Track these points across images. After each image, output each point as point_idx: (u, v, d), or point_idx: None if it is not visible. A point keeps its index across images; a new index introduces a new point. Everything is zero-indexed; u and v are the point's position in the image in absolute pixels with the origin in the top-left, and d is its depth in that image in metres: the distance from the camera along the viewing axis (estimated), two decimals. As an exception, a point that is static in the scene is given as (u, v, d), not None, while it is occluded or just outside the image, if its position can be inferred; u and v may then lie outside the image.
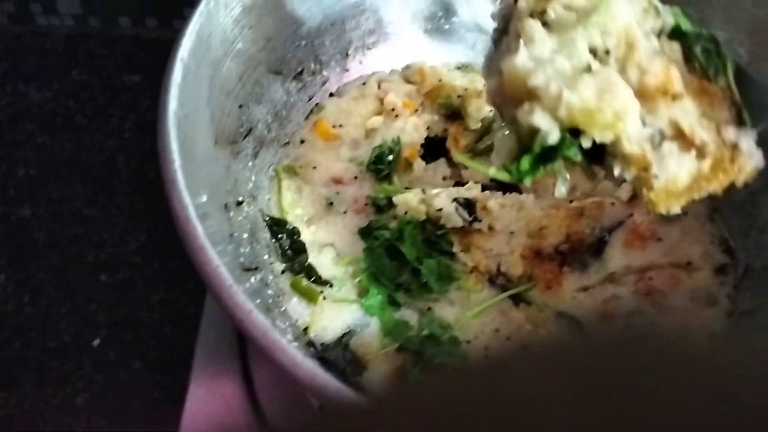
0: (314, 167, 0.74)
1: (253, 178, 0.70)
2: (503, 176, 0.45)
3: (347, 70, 0.82)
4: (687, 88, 0.43)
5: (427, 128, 0.78)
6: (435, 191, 0.71)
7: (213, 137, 0.63)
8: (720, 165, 0.43)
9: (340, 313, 0.66)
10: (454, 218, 0.70)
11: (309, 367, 0.45)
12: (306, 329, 0.64)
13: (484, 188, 0.74)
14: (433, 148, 0.79)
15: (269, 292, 0.64)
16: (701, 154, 0.43)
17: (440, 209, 0.70)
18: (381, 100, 0.78)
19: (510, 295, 0.69)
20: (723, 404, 0.18)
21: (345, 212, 0.73)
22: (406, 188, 0.74)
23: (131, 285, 0.84)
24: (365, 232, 0.71)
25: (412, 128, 0.75)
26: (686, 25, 0.47)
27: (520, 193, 0.74)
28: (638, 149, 0.42)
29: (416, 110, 0.79)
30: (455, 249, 0.71)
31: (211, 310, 0.78)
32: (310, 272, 0.67)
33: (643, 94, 0.42)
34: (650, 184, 0.43)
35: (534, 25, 0.44)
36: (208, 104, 0.62)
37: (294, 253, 0.68)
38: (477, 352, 0.65)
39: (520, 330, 0.68)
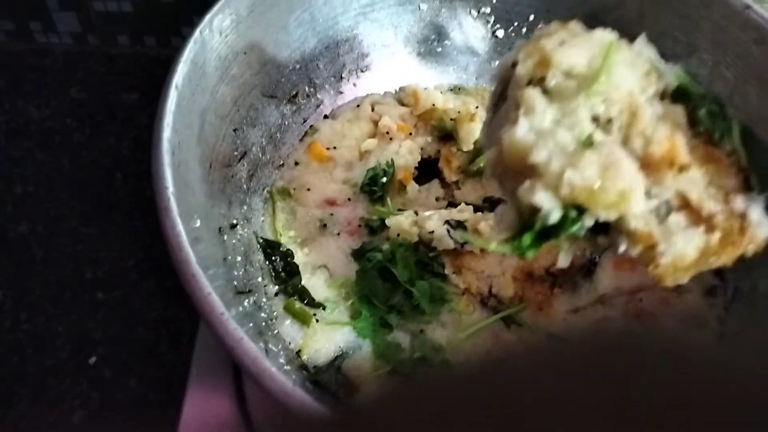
0: (308, 189, 0.75)
1: (247, 200, 0.71)
2: (505, 250, 0.42)
3: (341, 93, 0.83)
4: (692, 155, 0.41)
5: (421, 149, 0.79)
6: (427, 213, 0.72)
7: (208, 161, 0.64)
8: (729, 237, 0.41)
9: (332, 335, 0.66)
10: (446, 240, 0.71)
11: (299, 395, 0.46)
12: (299, 352, 0.65)
13: (476, 209, 0.74)
14: (427, 169, 0.80)
15: (262, 314, 0.64)
16: (710, 226, 0.41)
17: (432, 231, 0.71)
18: (375, 123, 0.79)
19: (502, 317, 0.70)
20: (712, 400, 0.19)
21: (338, 234, 0.73)
22: (400, 210, 0.75)
23: (128, 302, 0.85)
24: (358, 254, 0.72)
25: (406, 151, 0.76)
26: (691, 86, 0.45)
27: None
28: (644, 226, 0.40)
29: (410, 133, 0.80)
30: (447, 271, 0.71)
31: (207, 328, 0.78)
32: (304, 294, 0.68)
33: (647, 164, 0.41)
34: (657, 262, 0.41)
35: (534, 94, 0.42)
36: (203, 129, 0.63)
37: (287, 275, 0.69)
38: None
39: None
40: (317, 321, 0.67)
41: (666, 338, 0.27)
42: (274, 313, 0.66)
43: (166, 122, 0.55)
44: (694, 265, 0.43)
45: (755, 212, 0.43)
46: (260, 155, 0.73)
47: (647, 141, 0.41)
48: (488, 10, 0.85)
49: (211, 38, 0.63)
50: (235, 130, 0.69)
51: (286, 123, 0.77)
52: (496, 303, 0.71)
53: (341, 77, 0.83)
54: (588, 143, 0.40)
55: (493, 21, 0.86)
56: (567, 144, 0.40)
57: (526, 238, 0.42)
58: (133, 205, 0.93)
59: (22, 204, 0.91)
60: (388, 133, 0.78)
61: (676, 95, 0.45)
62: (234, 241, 0.66)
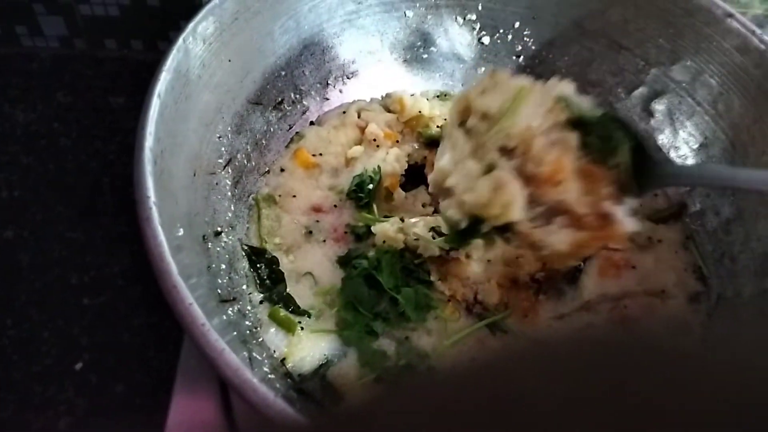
0: (294, 196, 0.75)
1: (232, 207, 0.71)
2: (443, 244, 0.61)
3: (327, 99, 0.83)
4: (575, 172, 0.52)
5: (407, 156, 0.79)
6: (413, 220, 0.72)
7: (192, 169, 0.64)
8: (596, 233, 0.52)
9: (317, 343, 0.66)
10: (432, 247, 0.71)
11: (281, 407, 0.46)
12: (283, 360, 0.65)
13: None
14: (413, 176, 0.80)
15: (247, 323, 0.64)
16: (580, 226, 0.52)
17: (417, 238, 0.71)
18: (361, 129, 0.79)
19: (487, 323, 0.70)
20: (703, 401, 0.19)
21: (324, 241, 0.73)
22: (386, 216, 0.75)
23: (114, 308, 0.84)
24: (344, 261, 0.72)
25: (393, 159, 0.76)
26: (588, 115, 0.55)
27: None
28: (527, 228, 0.53)
29: (397, 141, 0.80)
30: (433, 277, 0.71)
31: (189, 339, 0.78)
32: (288, 302, 0.68)
33: (536, 182, 0.52)
34: (539, 255, 0.56)
35: (456, 134, 0.57)
36: (187, 137, 0.62)
37: (272, 282, 0.69)
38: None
39: (495, 358, 0.68)
40: (302, 329, 0.67)
41: (649, 343, 0.27)
42: (259, 321, 0.66)
43: (148, 131, 0.55)
44: (570, 254, 0.55)
45: (618, 213, 0.53)
46: (245, 162, 0.73)
47: (538, 164, 0.53)
48: (474, 17, 0.85)
49: (195, 46, 0.63)
50: (219, 138, 0.69)
51: (272, 130, 0.77)
52: (482, 310, 0.71)
53: (327, 84, 0.83)
54: (490, 169, 0.54)
55: (479, 28, 0.86)
56: (472, 171, 0.55)
57: (451, 238, 0.61)
58: (119, 209, 0.92)
59: (7, 209, 0.91)
60: (375, 140, 0.78)
61: (575, 124, 0.55)
62: (218, 248, 0.66)
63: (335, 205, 0.75)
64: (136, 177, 0.54)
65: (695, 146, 0.80)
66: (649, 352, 0.23)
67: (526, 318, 0.71)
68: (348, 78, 0.84)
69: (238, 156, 0.72)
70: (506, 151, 0.53)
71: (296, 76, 0.79)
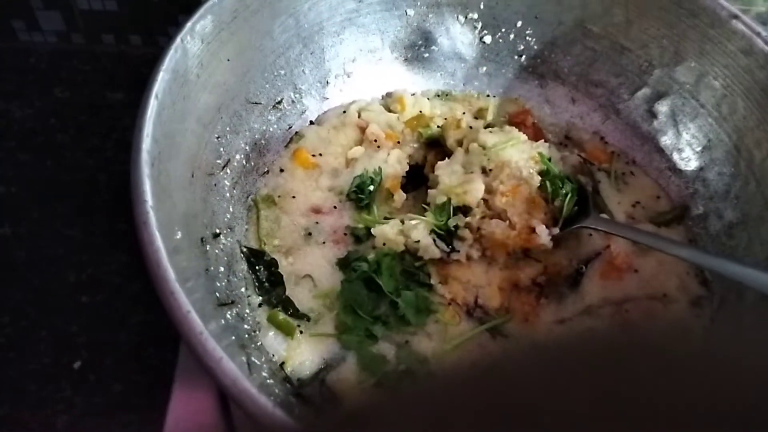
0: (293, 197, 0.74)
1: (230, 209, 0.70)
2: (430, 219, 0.73)
3: (327, 99, 0.82)
4: (525, 198, 0.74)
5: (408, 157, 0.78)
6: (414, 222, 0.71)
7: (190, 170, 0.63)
8: (520, 236, 0.72)
9: (316, 347, 0.66)
10: (432, 250, 0.70)
11: (279, 417, 0.46)
12: (282, 364, 0.64)
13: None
14: (413, 175, 0.79)
15: (245, 326, 0.64)
16: (512, 227, 0.72)
17: (418, 241, 0.70)
18: (362, 129, 0.78)
19: (487, 328, 0.70)
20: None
21: (324, 243, 0.72)
22: (386, 218, 0.74)
23: (111, 306, 0.84)
24: (343, 264, 0.71)
25: (395, 160, 0.76)
26: (553, 170, 0.77)
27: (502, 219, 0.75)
28: (478, 215, 0.73)
29: (398, 142, 0.79)
30: (433, 281, 0.71)
31: (186, 348, 0.78)
32: (287, 305, 0.67)
33: (494, 193, 0.73)
34: (482, 233, 0.72)
35: (459, 150, 0.79)
36: (185, 138, 0.62)
37: (271, 285, 0.68)
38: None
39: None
40: (301, 332, 0.66)
41: (651, 346, 0.27)
42: (258, 325, 0.66)
43: (145, 133, 0.55)
44: (503, 242, 0.72)
45: (539, 229, 0.72)
46: (244, 162, 0.73)
47: (502, 183, 0.74)
48: (476, 15, 0.84)
49: (193, 45, 0.62)
50: (218, 138, 0.68)
51: (271, 129, 0.76)
52: (482, 314, 0.71)
53: (327, 83, 0.82)
54: (469, 173, 0.75)
55: (481, 27, 0.85)
56: (457, 172, 0.75)
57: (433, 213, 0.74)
58: (117, 206, 0.92)
59: (4, 206, 0.90)
60: (375, 141, 0.77)
61: (542, 173, 0.76)
62: (217, 251, 0.65)
63: (335, 207, 0.75)
64: (133, 180, 0.53)
65: (698, 149, 0.79)
66: (649, 355, 0.23)
67: (527, 322, 0.71)
68: (348, 77, 0.83)
69: (237, 156, 0.71)
70: (485, 170, 0.75)
71: (296, 75, 0.78)
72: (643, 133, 0.84)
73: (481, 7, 0.83)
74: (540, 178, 0.75)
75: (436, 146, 0.81)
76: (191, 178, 0.63)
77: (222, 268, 0.65)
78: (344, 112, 0.81)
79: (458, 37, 0.85)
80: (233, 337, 0.59)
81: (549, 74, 0.86)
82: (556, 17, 0.82)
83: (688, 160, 0.81)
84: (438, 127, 0.80)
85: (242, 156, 0.72)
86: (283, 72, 0.76)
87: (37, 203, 0.91)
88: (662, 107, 0.81)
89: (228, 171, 0.70)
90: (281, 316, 0.66)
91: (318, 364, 0.65)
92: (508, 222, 0.72)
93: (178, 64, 0.60)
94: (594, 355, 0.24)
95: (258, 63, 0.72)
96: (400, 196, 0.76)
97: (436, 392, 0.24)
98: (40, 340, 0.82)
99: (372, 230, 0.71)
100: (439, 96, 0.86)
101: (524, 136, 0.78)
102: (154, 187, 0.54)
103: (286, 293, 0.68)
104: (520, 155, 0.76)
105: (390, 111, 0.82)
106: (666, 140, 0.82)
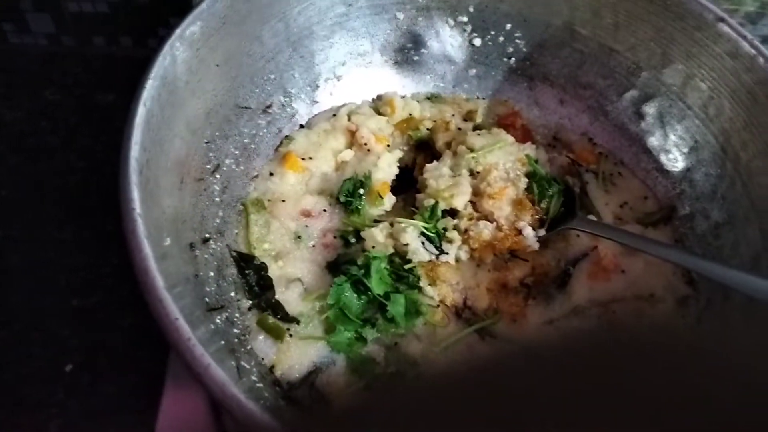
0: (283, 200, 0.74)
1: (220, 213, 0.70)
2: (419, 221, 0.73)
3: (317, 102, 0.82)
4: (512, 200, 0.75)
5: (398, 160, 0.79)
6: (403, 225, 0.72)
7: (179, 176, 0.63)
8: (507, 237, 0.73)
9: (306, 350, 0.66)
10: (421, 252, 0.71)
11: (267, 421, 0.46)
12: (272, 368, 0.65)
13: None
14: (402, 178, 0.80)
15: (235, 330, 0.64)
16: (500, 228, 0.74)
17: (407, 244, 0.70)
18: (352, 132, 0.79)
19: (476, 329, 0.70)
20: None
21: (313, 246, 0.73)
22: (376, 221, 0.74)
23: (103, 309, 0.84)
24: (333, 267, 0.71)
25: (385, 164, 0.76)
26: (540, 172, 0.78)
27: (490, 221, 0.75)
28: (464, 217, 0.74)
29: (388, 145, 0.79)
30: (422, 283, 0.71)
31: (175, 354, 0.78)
32: (277, 309, 0.68)
33: (481, 195, 0.75)
34: (469, 236, 0.73)
35: (447, 153, 0.80)
36: (173, 144, 0.62)
37: (261, 289, 0.68)
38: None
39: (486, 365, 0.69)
40: (291, 336, 0.67)
41: (638, 345, 0.27)
42: (248, 329, 0.66)
43: (133, 141, 0.55)
44: (490, 243, 0.73)
45: (526, 230, 0.74)
46: (234, 167, 0.73)
47: (489, 185, 0.75)
48: (465, 18, 0.84)
49: (182, 52, 0.62)
50: (207, 143, 0.68)
51: (261, 134, 0.77)
52: (471, 315, 0.71)
53: (317, 86, 0.82)
54: (457, 176, 0.76)
55: (470, 30, 0.85)
56: (445, 175, 0.76)
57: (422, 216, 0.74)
58: (108, 209, 0.91)
59: (-5, 209, 0.90)
60: (365, 144, 0.77)
61: (529, 174, 0.78)
62: (206, 255, 0.66)
63: (325, 210, 0.75)
64: (122, 188, 0.53)
65: (685, 150, 0.80)
66: (637, 356, 0.23)
67: (515, 323, 0.71)
68: (338, 80, 0.83)
69: (227, 161, 0.72)
70: (472, 173, 0.77)
71: (285, 79, 0.78)
72: (630, 135, 0.84)
73: (471, 10, 0.84)
74: (527, 180, 0.77)
75: (426, 149, 0.82)
76: (180, 183, 0.63)
77: (211, 273, 0.65)
78: (334, 115, 0.81)
79: (448, 40, 0.85)
80: (222, 342, 0.60)
81: (538, 76, 0.87)
82: (544, 20, 0.82)
83: (675, 161, 0.81)
84: (427, 129, 0.81)
85: (232, 160, 0.72)
86: (272, 76, 0.76)
87: (29, 206, 0.91)
88: (650, 109, 0.82)
89: (217, 176, 0.70)
90: (271, 319, 0.67)
91: (308, 367, 0.65)
92: (495, 224, 0.73)
93: (166, 71, 0.60)
94: (583, 356, 0.25)
95: (247, 68, 0.73)
96: (389, 199, 0.76)
97: (426, 395, 0.25)
98: (33, 343, 0.82)
99: (361, 233, 0.72)
100: (429, 98, 0.87)
101: (511, 139, 0.80)
102: (142, 194, 0.54)
103: (276, 297, 0.68)
104: (508, 157, 0.77)
105: (380, 114, 0.82)
106: (653, 141, 0.83)
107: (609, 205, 0.82)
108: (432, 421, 0.21)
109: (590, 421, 0.20)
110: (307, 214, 0.74)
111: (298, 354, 0.66)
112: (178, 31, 0.62)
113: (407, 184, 0.80)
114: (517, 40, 0.85)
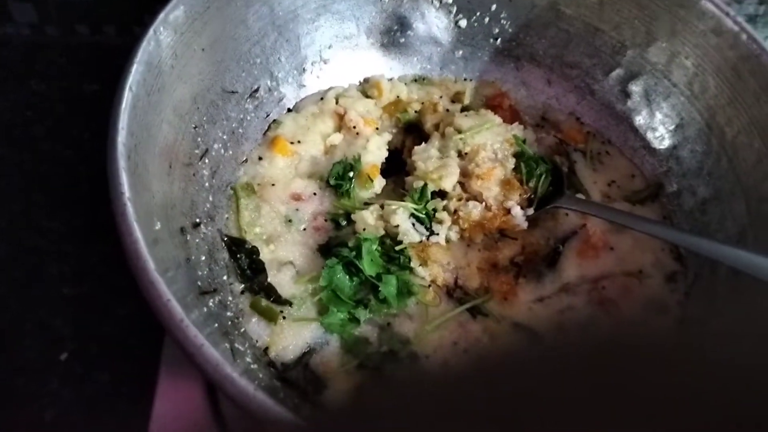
0: (273, 184, 0.74)
1: (210, 198, 0.70)
2: (415, 208, 0.74)
3: (304, 86, 0.82)
4: (500, 180, 0.76)
5: (387, 143, 0.79)
6: (393, 207, 0.72)
7: (168, 161, 0.63)
8: (496, 217, 0.74)
9: (300, 332, 0.67)
10: (412, 234, 0.71)
11: (261, 399, 0.47)
12: (266, 350, 0.65)
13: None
14: (391, 160, 0.80)
15: (228, 313, 0.64)
16: (488, 208, 0.74)
17: (397, 225, 0.71)
18: (340, 116, 0.79)
19: (467, 308, 0.71)
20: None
21: (304, 229, 0.73)
22: (366, 203, 0.75)
23: (95, 297, 0.84)
24: (324, 249, 0.72)
25: (375, 147, 0.76)
26: (528, 152, 0.79)
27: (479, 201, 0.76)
28: (453, 198, 0.75)
29: (377, 128, 0.80)
30: (413, 263, 0.72)
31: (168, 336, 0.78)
32: (270, 292, 0.68)
33: (470, 176, 0.76)
34: (459, 216, 0.74)
35: (435, 134, 0.81)
36: (161, 129, 0.62)
37: (253, 272, 0.69)
38: (436, 368, 0.67)
39: (477, 342, 0.69)
40: (284, 318, 0.67)
41: (626, 327, 0.28)
42: (241, 312, 0.66)
43: (120, 126, 0.55)
44: (480, 223, 0.74)
45: (514, 210, 0.75)
46: (222, 152, 0.73)
47: (477, 166, 0.76)
48: (450, 0, 0.84)
49: (166, 36, 0.62)
50: (195, 128, 0.68)
51: (248, 118, 0.76)
52: (462, 294, 0.72)
53: (304, 70, 0.82)
54: (446, 157, 0.76)
55: (456, 11, 0.85)
56: (433, 157, 0.77)
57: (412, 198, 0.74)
58: (97, 197, 0.91)
59: (-18, 200, 0.90)
60: (354, 127, 0.77)
61: (517, 155, 0.79)
62: (197, 240, 0.66)
63: (315, 193, 0.75)
64: (110, 173, 0.53)
65: (671, 127, 0.81)
66: (624, 343, 0.24)
67: (506, 301, 0.72)
68: (325, 63, 0.83)
69: (215, 146, 0.72)
70: (460, 154, 0.77)
71: (272, 63, 0.78)
72: (617, 113, 0.85)
73: (456, -9, 0.84)
74: (515, 160, 0.78)
75: (415, 131, 0.82)
76: (169, 168, 0.63)
77: (203, 257, 0.65)
78: (322, 99, 0.81)
79: (433, 21, 0.85)
80: (216, 325, 0.60)
81: (524, 57, 0.87)
82: (530, 0, 0.82)
83: (662, 138, 0.82)
84: (415, 112, 0.81)
85: (220, 145, 0.72)
86: (258, 60, 0.76)
87: (17, 196, 0.91)
88: (636, 87, 0.82)
89: (206, 161, 0.70)
90: (264, 302, 0.67)
91: (302, 348, 0.66)
92: (484, 204, 0.74)
93: (151, 55, 0.60)
94: (572, 343, 0.25)
95: (233, 52, 0.72)
96: (379, 182, 0.76)
97: (431, 384, 0.25)
98: (25, 334, 0.81)
99: (352, 216, 0.72)
100: (416, 81, 0.87)
101: (499, 119, 0.80)
102: (131, 179, 0.54)
103: (268, 280, 0.69)
104: (495, 138, 0.78)
105: (367, 97, 0.82)
106: (640, 120, 0.83)
107: (597, 183, 0.82)
108: (430, 404, 0.21)
109: (585, 401, 0.20)
110: (297, 197, 0.74)
111: (292, 335, 0.66)
112: (161, 16, 0.62)
113: (397, 167, 0.80)
114: (502, 21, 0.85)
